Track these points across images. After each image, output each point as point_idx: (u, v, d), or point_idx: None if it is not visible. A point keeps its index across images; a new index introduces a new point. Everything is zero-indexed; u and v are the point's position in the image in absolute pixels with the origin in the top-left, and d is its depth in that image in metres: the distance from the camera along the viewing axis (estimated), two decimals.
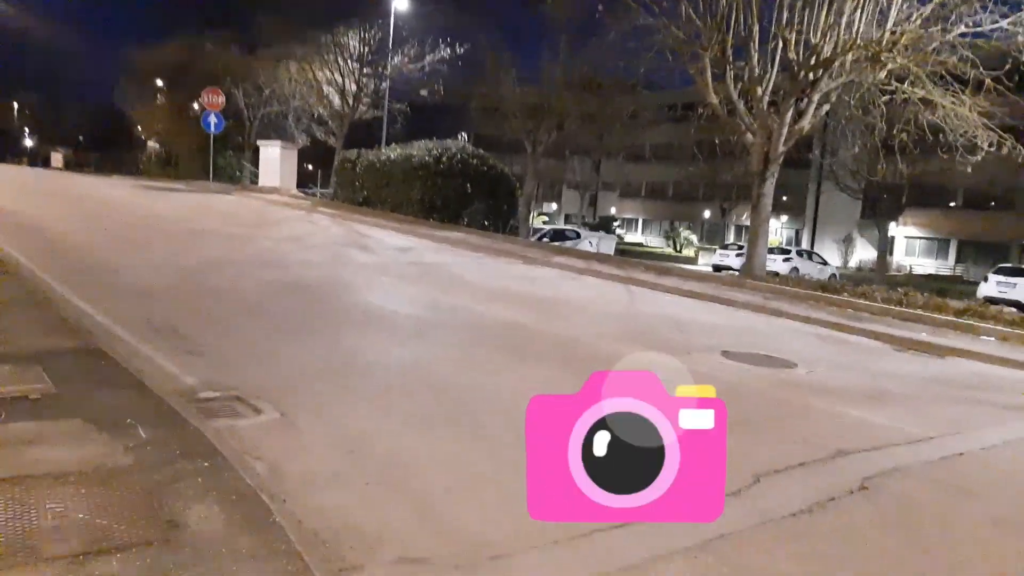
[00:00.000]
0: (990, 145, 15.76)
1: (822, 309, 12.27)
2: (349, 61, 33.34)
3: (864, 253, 49.15)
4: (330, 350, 6.53)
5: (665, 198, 69.49)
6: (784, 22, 16.33)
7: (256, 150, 34.29)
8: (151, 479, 3.37)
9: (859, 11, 15.57)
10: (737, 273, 21.14)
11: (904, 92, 16.03)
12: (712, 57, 17.24)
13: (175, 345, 6.07)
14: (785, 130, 16.97)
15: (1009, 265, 31.27)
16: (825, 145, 41.13)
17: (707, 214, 63.11)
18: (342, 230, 18.71)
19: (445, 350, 7.07)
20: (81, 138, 78.77)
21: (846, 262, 49.11)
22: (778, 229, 54.88)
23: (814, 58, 16.21)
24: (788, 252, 36.69)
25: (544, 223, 53.56)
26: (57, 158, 55.67)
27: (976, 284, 30.47)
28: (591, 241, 32.85)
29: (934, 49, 15.23)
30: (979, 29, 15.14)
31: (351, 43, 33.29)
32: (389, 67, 33.37)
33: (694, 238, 60.31)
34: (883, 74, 15.95)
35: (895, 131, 17.19)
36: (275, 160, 31.08)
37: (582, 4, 24.07)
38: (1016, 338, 10.66)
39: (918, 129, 16.62)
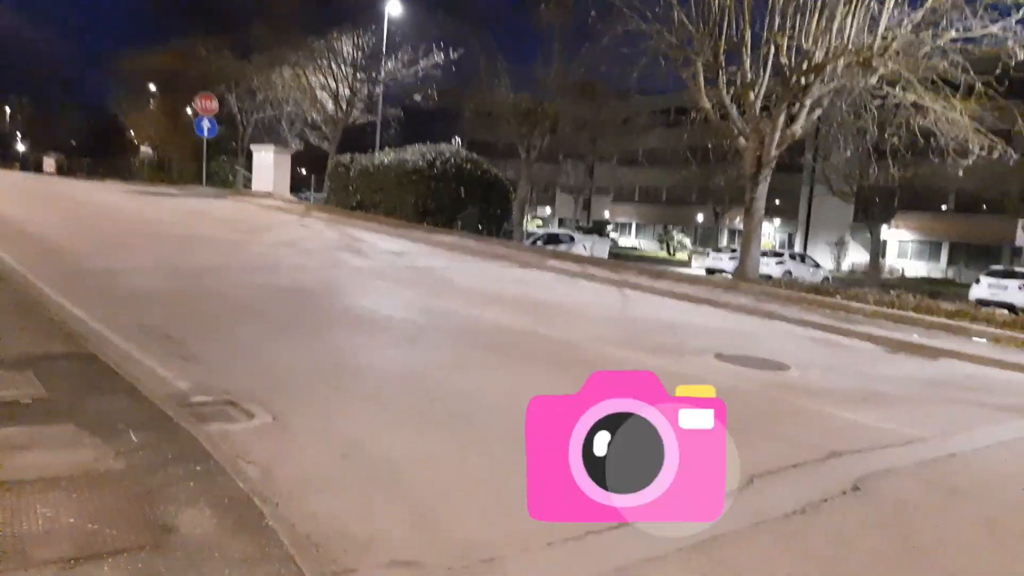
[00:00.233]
0: (981, 149, 15.84)
1: (815, 312, 12.30)
2: (343, 66, 33.33)
3: (857, 256, 49.33)
4: (323, 354, 6.52)
5: (659, 202, 69.65)
6: (776, 27, 16.39)
7: (249, 155, 34.23)
8: (143, 484, 3.36)
9: (850, 17, 15.64)
10: (730, 276, 21.20)
11: (896, 97, 16.11)
12: (704, 62, 17.31)
13: (168, 350, 6.05)
14: (777, 134, 17.03)
15: (1001, 267, 31.41)
16: (817, 149, 41.27)
17: (700, 218, 63.28)
18: (336, 234, 18.69)
19: (439, 353, 7.06)
20: (74, 143, 78.51)
21: (839, 265, 49.30)
22: (771, 232, 55.08)
23: (806, 63, 16.28)
24: (781, 255, 36.81)
25: (538, 227, 53.66)
26: (50, 163, 55.47)
27: (968, 287, 30.61)
28: (585, 245, 32.90)
29: (925, 54, 15.32)
30: (969, 34, 15.23)
31: (345, 48, 33.27)
32: (383, 72, 33.37)
33: (688, 242, 60.49)
34: (874, 79, 16.02)
35: (887, 135, 17.27)
36: (268, 165, 31.02)
37: (575, 9, 24.16)
38: (1008, 340, 10.71)
39: (910, 133, 16.70)
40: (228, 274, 10.88)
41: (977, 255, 44.37)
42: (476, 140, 43.67)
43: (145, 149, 50.45)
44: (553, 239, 32.95)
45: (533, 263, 16.13)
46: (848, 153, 30.27)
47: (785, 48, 16.39)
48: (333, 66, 33.16)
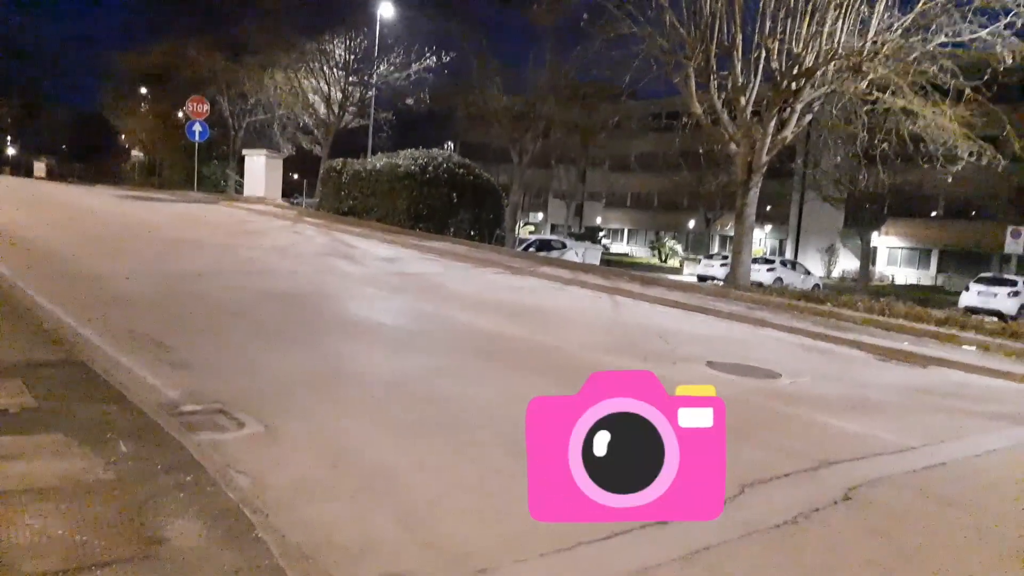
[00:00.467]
0: (970, 154, 15.96)
1: (806, 319, 12.34)
2: (335, 69, 33.30)
3: (847, 263, 49.55)
4: (314, 361, 6.50)
5: (650, 208, 69.82)
6: (767, 32, 16.48)
7: (241, 159, 34.17)
8: (132, 494, 3.33)
9: (841, 21, 15.74)
10: (722, 283, 21.26)
11: (885, 102, 16.22)
12: (696, 66, 17.38)
13: (158, 357, 6.02)
14: (768, 140, 17.11)
15: (990, 275, 31.58)
16: (808, 155, 41.48)
17: (692, 224, 63.45)
18: (327, 240, 18.66)
19: (430, 360, 7.05)
20: (64, 147, 78.20)
21: (829, 272, 49.51)
22: (762, 239, 55.25)
23: (796, 68, 16.38)
24: (772, 262, 36.94)
25: (530, 233, 53.72)
26: (40, 167, 55.21)
27: (957, 294, 30.77)
28: (577, 251, 32.94)
29: (915, 59, 15.42)
30: (959, 39, 15.35)
31: (336, 51, 33.25)
32: (375, 75, 33.36)
33: (679, 248, 60.61)
34: (864, 84, 16.12)
35: (877, 141, 17.38)
36: (260, 169, 30.98)
37: (567, 13, 24.23)
38: (997, 348, 10.76)
39: (899, 139, 16.82)
40: (219, 280, 10.84)
41: (967, 262, 44.60)
42: (469, 144, 43.77)
43: (136, 153, 50.32)
44: (545, 245, 32.98)
45: (525, 269, 16.14)
46: (838, 159, 30.49)
47: (776, 53, 16.48)
48: (325, 69, 33.14)
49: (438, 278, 13.56)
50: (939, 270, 48.35)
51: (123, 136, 56.01)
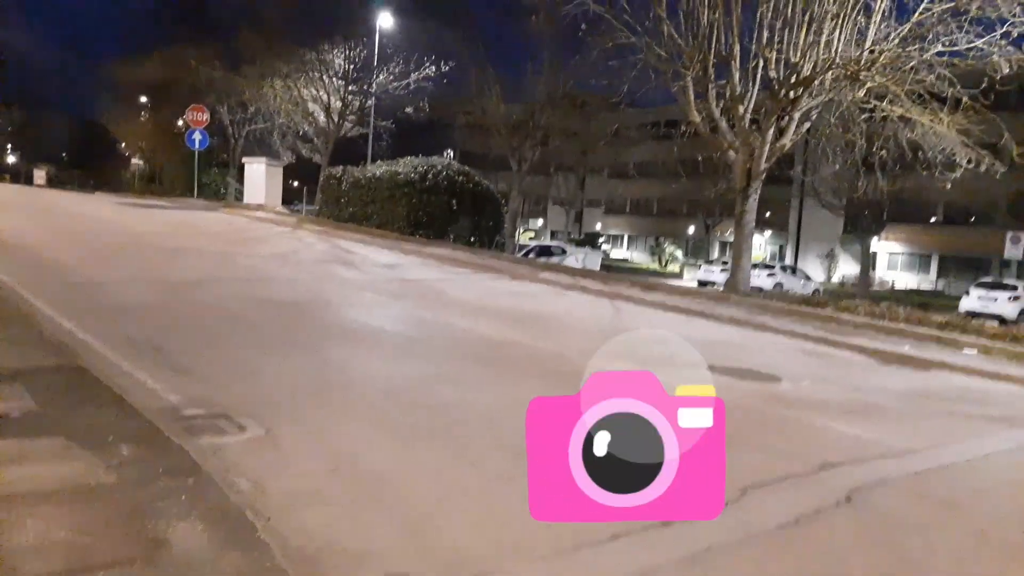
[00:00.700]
0: (968, 162, 15.99)
1: (806, 323, 12.34)
2: (334, 78, 33.35)
3: (847, 268, 49.58)
4: (315, 367, 6.51)
5: (650, 214, 69.90)
6: (764, 41, 16.53)
7: (241, 167, 34.22)
8: (134, 497, 3.34)
9: (838, 31, 15.79)
10: (722, 288, 21.25)
11: (883, 110, 16.25)
12: (694, 76, 17.42)
13: (158, 362, 6.03)
14: (767, 147, 17.14)
15: (990, 279, 31.63)
16: (807, 162, 41.55)
17: (691, 230, 63.53)
18: (327, 247, 18.68)
19: (430, 366, 7.05)
20: (64, 155, 78.31)
21: (829, 277, 49.54)
22: (762, 245, 55.31)
23: (794, 77, 16.42)
24: (772, 267, 37.00)
25: (530, 239, 53.73)
26: (40, 175, 55.25)
27: (957, 299, 30.79)
28: (577, 257, 32.95)
29: (912, 68, 15.46)
30: (956, 48, 15.38)
31: (336, 60, 33.31)
32: (374, 84, 33.42)
33: (679, 254, 60.68)
34: (862, 92, 16.16)
35: (875, 148, 17.43)
36: (260, 177, 31.03)
37: (565, 22, 24.28)
38: (998, 351, 10.76)
39: (897, 146, 16.85)
40: (219, 286, 10.85)
41: (966, 267, 44.66)
42: (468, 152, 43.81)
43: (136, 161, 50.37)
44: (545, 251, 32.99)
45: (525, 275, 16.15)
46: (837, 166, 30.51)
47: (774, 62, 16.53)
48: (324, 78, 33.18)
49: (438, 284, 13.57)
50: (939, 275, 48.39)
51: (123, 144, 56.07)
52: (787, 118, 16.98)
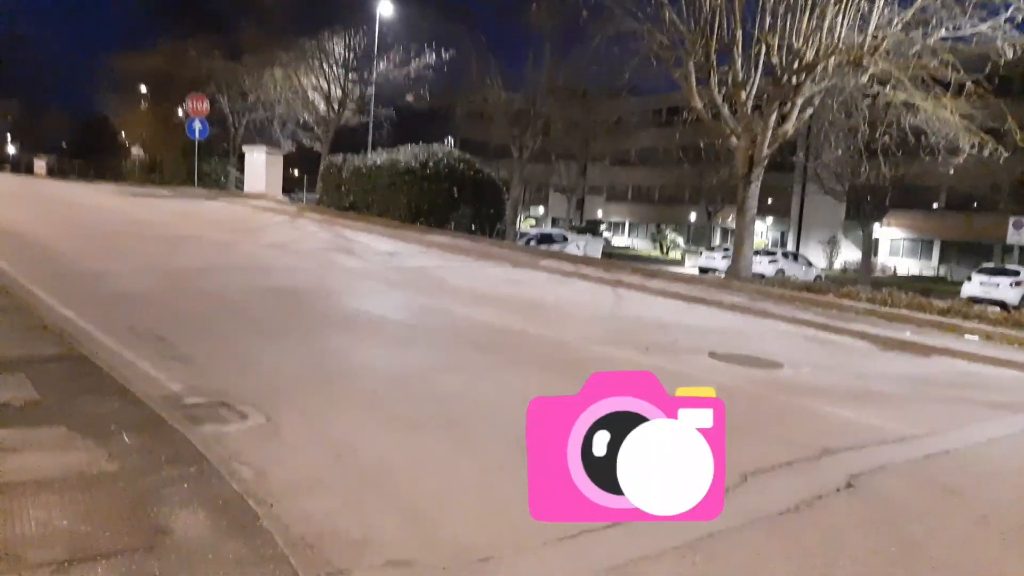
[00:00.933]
0: (971, 147, 15.94)
1: (808, 310, 12.33)
2: (334, 67, 33.31)
3: (849, 254, 49.51)
4: (316, 355, 6.51)
5: (651, 201, 69.78)
6: (767, 27, 16.45)
7: (241, 156, 34.18)
8: (136, 486, 3.35)
9: (841, 16, 15.71)
10: (723, 275, 21.24)
11: (886, 95, 16.21)
12: (696, 62, 17.36)
13: (160, 351, 6.03)
14: (769, 133, 17.10)
15: (992, 265, 31.58)
16: (809, 148, 41.40)
17: (693, 217, 63.42)
18: (328, 235, 18.67)
19: (432, 354, 7.06)
20: (65, 144, 78.19)
21: (831, 263, 49.48)
22: (764, 231, 55.23)
23: (797, 62, 16.35)
24: (774, 254, 36.92)
25: (531, 227, 53.66)
26: (40, 165, 55.17)
27: (959, 284, 30.74)
28: (578, 244, 32.93)
29: (915, 53, 15.40)
30: (959, 33, 15.32)
31: (336, 49, 33.27)
32: (375, 72, 33.34)
33: (680, 241, 60.60)
34: (865, 78, 16.10)
35: (878, 134, 17.38)
36: (260, 166, 30.98)
37: (566, 10, 24.19)
38: (1000, 337, 10.76)
39: (900, 132, 16.82)
40: (220, 275, 10.85)
41: (969, 253, 44.57)
42: (469, 140, 43.68)
43: (136, 150, 50.28)
44: (546, 239, 32.96)
45: (526, 263, 16.14)
46: (839, 152, 30.44)
47: (776, 47, 16.46)
48: (325, 67, 33.15)
49: (439, 272, 13.57)
50: (941, 261, 48.32)
51: (123, 134, 56.01)
52: (789, 104, 16.92)
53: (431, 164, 21.90)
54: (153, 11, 50.42)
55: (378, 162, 23.33)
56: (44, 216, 18.04)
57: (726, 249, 35.46)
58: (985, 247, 42.98)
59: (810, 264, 37.44)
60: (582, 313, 10.80)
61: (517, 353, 7.45)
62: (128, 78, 47.27)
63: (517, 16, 35.98)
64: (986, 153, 16.01)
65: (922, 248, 49.67)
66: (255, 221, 21.43)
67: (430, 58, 32.50)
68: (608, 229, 69.04)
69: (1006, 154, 16.27)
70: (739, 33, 16.93)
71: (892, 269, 48.19)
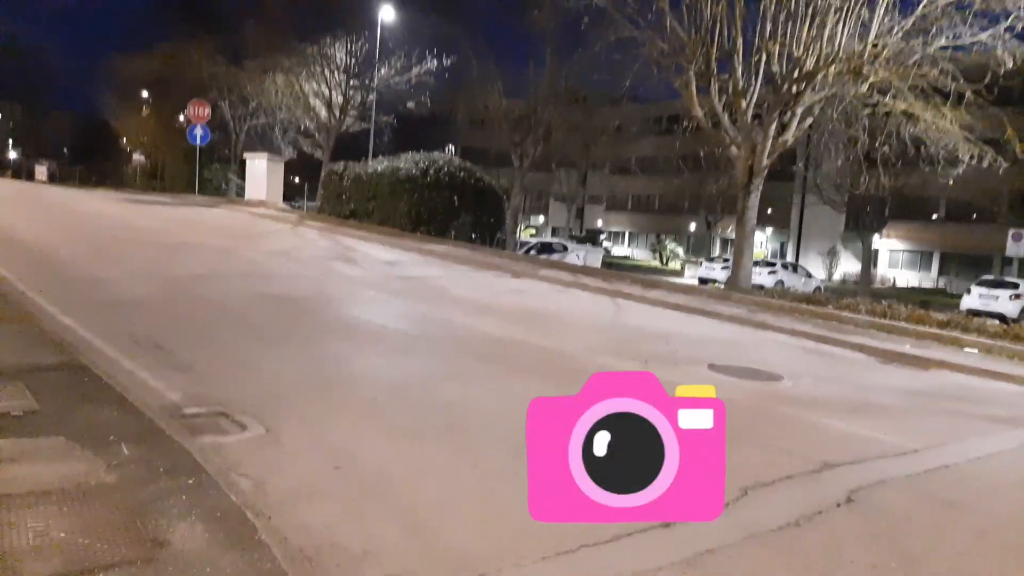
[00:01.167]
0: (971, 157, 15.94)
1: (807, 322, 12.33)
2: (336, 72, 33.34)
3: (848, 266, 49.50)
4: (316, 364, 6.51)
5: (651, 211, 69.81)
6: (768, 35, 16.48)
7: (242, 162, 34.20)
8: (135, 497, 3.34)
9: (841, 25, 15.74)
10: (723, 286, 21.24)
11: (886, 105, 16.21)
12: (696, 70, 17.38)
13: (159, 360, 6.03)
14: (769, 143, 17.10)
15: (991, 277, 31.54)
16: (809, 158, 41.47)
17: (693, 227, 63.44)
18: (328, 243, 18.67)
19: (431, 364, 7.05)
20: (66, 150, 78.31)
21: (831, 275, 49.45)
22: (763, 242, 55.24)
23: (797, 71, 16.37)
24: (773, 265, 36.92)
25: (531, 236, 53.67)
26: (41, 171, 55.23)
27: (959, 297, 30.71)
28: (578, 254, 32.89)
29: (915, 62, 15.42)
30: (959, 43, 15.33)
31: (337, 55, 33.29)
32: (376, 79, 33.38)
33: (680, 251, 60.57)
34: (865, 87, 16.12)
35: (877, 144, 17.37)
36: (261, 173, 31.01)
37: (567, 17, 24.22)
38: (999, 350, 10.75)
39: (900, 142, 16.81)
40: (220, 283, 10.84)
41: (968, 265, 44.56)
42: (469, 148, 43.79)
43: (137, 157, 50.36)
44: (546, 248, 32.93)
45: (526, 272, 16.14)
46: (839, 162, 30.47)
47: (776, 56, 16.48)
48: (326, 73, 33.19)
49: (439, 281, 13.57)
50: (941, 273, 48.31)
51: (124, 140, 56.07)
52: (789, 113, 16.94)
53: (432, 172, 21.91)
54: (155, 16, 50.54)
55: (379, 169, 23.35)
56: (45, 222, 18.05)
57: (725, 260, 35.45)
58: (985, 259, 42.97)
59: (809, 275, 37.44)
60: (582, 323, 10.79)
61: (517, 363, 7.45)
62: (130, 83, 47.34)
63: (518, 22, 36.09)
64: (985, 164, 16.02)
65: (921, 260, 49.67)
66: (256, 228, 21.45)
67: (431, 64, 32.54)
68: (608, 239, 69.03)
69: (1006, 165, 16.29)
70: (739, 41, 16.96)
71: (891, 281, 48.18)
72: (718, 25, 16.96)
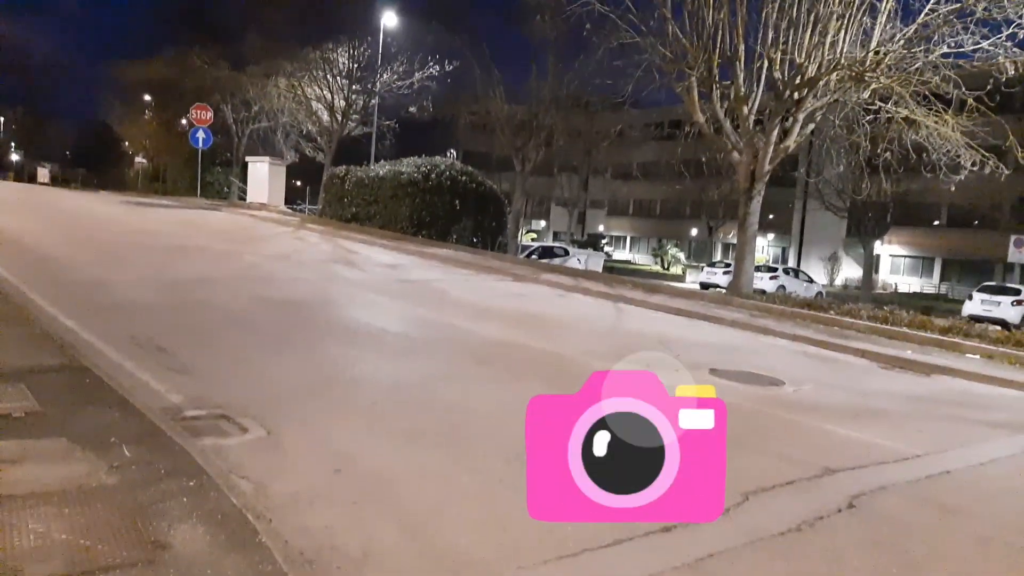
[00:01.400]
0: (972, 164, 15.94)
1: (809, 327, 12.32)
2: (338, 78, 33.38)
3: (850, 271, 49.49)
4: (317, 367, 6.51)
5: (653, 216, 69.85)
6: (769, 42, 16.50)
7: (244, 166, 34.24)
8: (136, 499, 3.34)
9: (843, 31, 15.76)
10: (724, 291, 21.23)
11: (888, 112, 16.22)
12: (698, 76, 17.39)
13: (161, 362, 6.03)
14: (771, 149, 17.11)
15: (993, 283, 31.55)
16: (810, 164, 41.43)
17: (694, 232, 63.45)
18: (330, 247, 18.68)
19: (432, 367, 7.05)
20: (68, 153, 78.49)
21: (832, 280, 49.44)
22: (765, 247, 55.21)
23: (799, 77, 16.39)
24: (775, 270, 36.90)
25: (533, 240, 53.69)
26: (44, 173, 55.38)
27: (961, 302, 30.71)
28: (579, 258, 32.90)
29: (917, 69, 15.42)
30: (961, 50, 15.34)
31: (340, 59, 33.33)
32: (378, 84, 33.44)
33: (681, 256, 60.58)
34: (867, 94, 16.13)
35: (879, 150, 17.36)
36: (263, 176, 31.05)
37: (569, 22, 24.27)
38: (1001, 356, 10.74)
39: (902, 148, 16.80)
40: (222, 286, 10.85)
41: (970, 271, 44.56)
42: (471, 152, 43.83)
43: (140, 160, 50.44)
44: (548, 252, 32.95)
45: (528, 276, 16.14)
46: (841, 168, 30.44)
47: (778, 62, 16.50)
48: (328, 77, 33.21)
49: (440, 285, 13.57)
50: (942, 279, 48.29)
51: (127, 143, 56.18)
52: (791, 119, 16.95)
53: (433, 176, 21.93)
54: (158, 20, 50.68)
55: (381, 173, 23.36)
56: (47, 225, 18.07)
57: (727, 264, 35.46)
58: (986, 265, 42.96)
59: (811, 280, 37.43)
60: (583, 328, 10.79)
61: (518, 367, 7.45)
62: (132, 87, 47.45)
63: (520, 27, 36.10)
64: (987, 171, 16.02)
65: (923, 266, 49.66)
66: (258, 232, 21.46)
67: (433, 69, 32.57)
68: (609, 243, 69.00)
69: (1007, 172, 16.28)
70: (741, 47, 16.98)
71: (893, 286, 48.16)
72: (720, 32, 16.98)
